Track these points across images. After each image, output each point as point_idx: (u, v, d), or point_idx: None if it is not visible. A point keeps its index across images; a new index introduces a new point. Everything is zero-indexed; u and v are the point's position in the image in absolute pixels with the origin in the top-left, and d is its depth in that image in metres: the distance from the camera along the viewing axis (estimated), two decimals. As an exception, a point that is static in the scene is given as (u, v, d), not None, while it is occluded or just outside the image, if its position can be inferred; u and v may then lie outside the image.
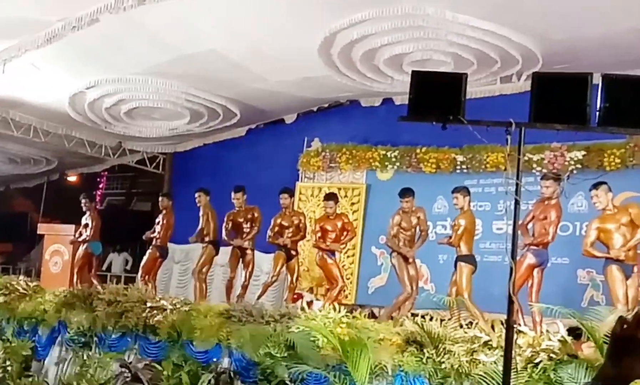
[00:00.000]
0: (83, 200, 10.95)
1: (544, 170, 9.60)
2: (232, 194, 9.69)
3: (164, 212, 10.29)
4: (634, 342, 1.43)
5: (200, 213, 9.85)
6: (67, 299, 8.95)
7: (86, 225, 10.76)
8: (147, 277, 10.05)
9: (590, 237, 7.23)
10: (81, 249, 10.76)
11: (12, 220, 18.72)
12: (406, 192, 8.61)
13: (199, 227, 9.83)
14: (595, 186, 7.17)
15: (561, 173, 8.83)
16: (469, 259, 8.04)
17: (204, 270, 9.80)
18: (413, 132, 10.04)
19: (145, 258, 10.34)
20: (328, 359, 6.51)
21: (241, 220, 9.71)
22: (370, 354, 6.08)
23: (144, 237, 10.57)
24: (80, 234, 10.82)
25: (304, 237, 9.77)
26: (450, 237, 8.26)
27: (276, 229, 9.50)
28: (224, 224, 9.70)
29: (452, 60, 9.14)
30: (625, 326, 1.45)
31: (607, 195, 7.14)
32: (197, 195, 9.88)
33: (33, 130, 13.21)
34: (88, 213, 10.88)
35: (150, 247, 10.29)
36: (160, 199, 10.62)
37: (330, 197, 9.46)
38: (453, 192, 8.31)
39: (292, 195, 10.08)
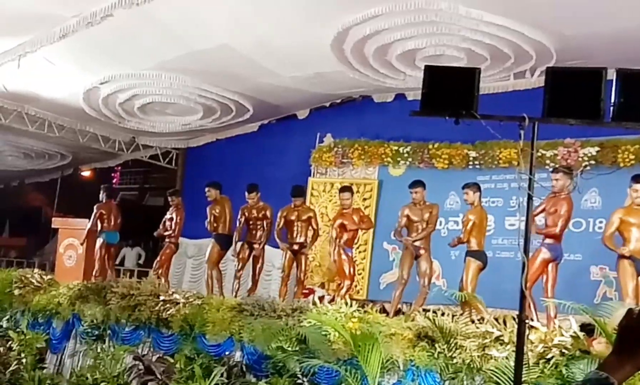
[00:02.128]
0: (102, 190, 11.05)
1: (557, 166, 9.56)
2: (247, 194, 9.68)
3: (176, 209, 10.34)
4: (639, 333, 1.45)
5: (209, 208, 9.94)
6: (81, 292, 9.02)
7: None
8: (160, 270, 10.12)
9: (612, 224, 7.16)
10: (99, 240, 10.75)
11: (27, 214, 18.92)
12: (415, 183, 8.70)
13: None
14: (638, 180, 7.03)
15: (573, 167, 8.76)
16: (478, 255, 8.03)
17: (211, 265, 9.88)
18: (425, 127, 10.02)
19: (162, 253, 10.37)
20: (339, 353, 6.53)
21: (253, 216, 9.73)
22: (381, 348, 6.09)
23: (155, 234, 10.64)
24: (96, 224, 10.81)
25: (317, 235, 9.76)
26: (460, 237, 8.23)
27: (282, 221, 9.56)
28: (238, 218, 9.74)
29: (465, 55, 9.11)
30: (632, 317, 1.48)
31: None
32: (206, 190, 9.94)
33: (48, 125, 13.32)
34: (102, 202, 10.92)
35: (167, 243, 10.35)
36: (170, 198, 10.62)
37: (346, 189, 9.46)
38: (464, 187, 8.34)
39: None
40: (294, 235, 9.51)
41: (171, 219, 10.32)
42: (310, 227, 9.57)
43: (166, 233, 10.32)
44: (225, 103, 12.13)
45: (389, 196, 11.31)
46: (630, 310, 1.50)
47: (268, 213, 9.72)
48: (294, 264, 9.54)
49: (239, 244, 9.82)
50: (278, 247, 10.31)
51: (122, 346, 8.11)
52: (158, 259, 10.38)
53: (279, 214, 9.57)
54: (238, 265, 9.79)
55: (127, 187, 19.25)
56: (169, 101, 11.95)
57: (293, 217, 9.50)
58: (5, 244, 19.14)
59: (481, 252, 8.07)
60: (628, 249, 7.00)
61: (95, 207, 10.78)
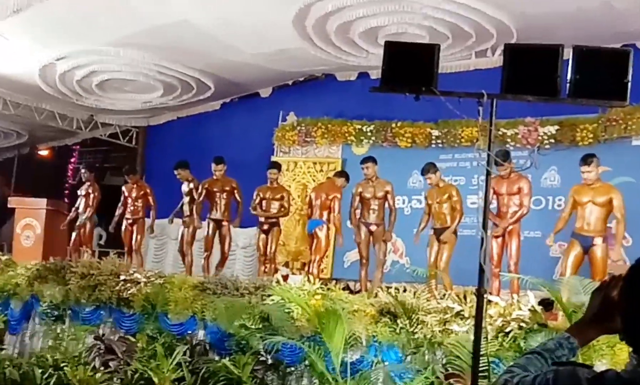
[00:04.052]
0: (83, 171, 10.86)
1: (518, 145, 9.71)
2: (213, 165, 9.38)
3: (141, 186, 10.08)
4: (606, 301, 1.58)
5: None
6: (39, 272, 8.85)
7: (87, 195, 10.54)
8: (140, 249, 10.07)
9: (569, 203, 7.36)
10: (81, 220, 10.53)
11: (-17, 195, 18.40)
12: (366, 159, 8.75)
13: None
14: (586, 161, 7.05)
15: (510, 149, 8.90)
16: (455, 232, 8.16)
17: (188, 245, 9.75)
18: (388, 106, 10.03)
19: (139, 232, 10.12)
20: (302, 330, 6.55)
21: (216, 190, 9.45)
22: (344, 324, 6.13)
23: (110, 228, 10.44)
24: (87, 206, 10.57)
25: (287, 213, 9.73)
26: (440, 226, 8.17)
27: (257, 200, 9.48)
28: (198, 193, 9.52)
29: (428, 33, 9.14)
30: (602, 287, 1.62)
31: (597, 169, 7.13)
32: (176, 173, 9.69)
33: (2, 102, 12.99)
34: (87, 183, 10.66)
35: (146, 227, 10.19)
36: (129, 176, 10.24)
37: (343, 174, 9.51)
38: (422, 173, 8.28)
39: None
40: (268, 212, 9.42)
41: (144, 196, 10.05)
42: (281, 205, 9.45)
43: (136, 217, 10.06)
44: (185, 80, 11.97)
45: (352, 175, 11.20)
46: (602, 282, 1.63)
47: (234, 184, 9.49)
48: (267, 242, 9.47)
49: (204, 223, 9.64)
50: (242, 227, 10.22)
51: (82, 326, 7.99)
52: (136, 238, 10.10)
53: (255, 193, 9.44)
54: (206, 245, 9.58)
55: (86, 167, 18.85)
56: (128, 78, 11.75)
57: (268, 195, 9.39)
58: (-40, 225, 18.64)
59: (456, 229, 8.16)
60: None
61: (91, 189, 10.57)
